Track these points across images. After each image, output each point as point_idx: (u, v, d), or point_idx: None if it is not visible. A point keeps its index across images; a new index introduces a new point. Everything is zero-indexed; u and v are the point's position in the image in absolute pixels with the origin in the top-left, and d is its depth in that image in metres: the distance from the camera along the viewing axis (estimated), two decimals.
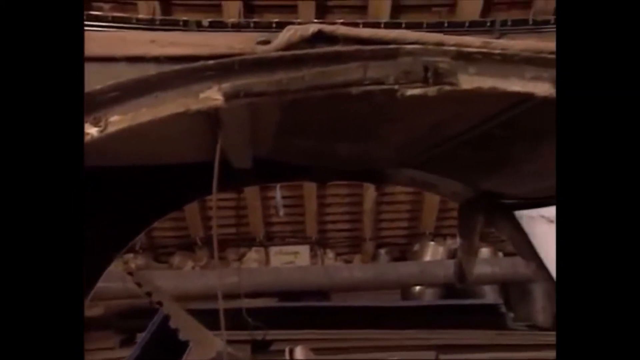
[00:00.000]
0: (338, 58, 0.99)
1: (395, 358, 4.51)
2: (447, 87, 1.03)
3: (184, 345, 3.47)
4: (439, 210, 6.59)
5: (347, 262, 6.98)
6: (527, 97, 1.07)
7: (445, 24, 4.78)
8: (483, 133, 1.71)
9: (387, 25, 4.64)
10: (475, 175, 2.36)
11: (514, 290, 6.24)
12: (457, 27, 4.73)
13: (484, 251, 6.74)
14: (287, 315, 4.92)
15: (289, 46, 0.97)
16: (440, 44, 1.02)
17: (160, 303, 3.70)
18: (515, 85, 1.04)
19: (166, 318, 3.64)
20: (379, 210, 6.82)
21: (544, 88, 1.05)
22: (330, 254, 6.99)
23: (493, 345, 4.96)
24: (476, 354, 4.86)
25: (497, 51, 1.03)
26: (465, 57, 1.03)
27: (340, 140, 1.83)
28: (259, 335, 4.13)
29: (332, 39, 1.01)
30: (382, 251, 6.93)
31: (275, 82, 0.96)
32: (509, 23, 4.67)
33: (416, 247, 6.83)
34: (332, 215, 6.89)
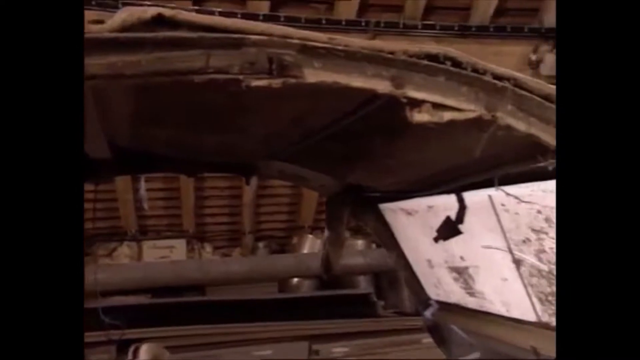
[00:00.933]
0: (179, 44, 0.95)
1: (267, 351, 4.54)
2: (292, 80, 1.03)
3: None
4: (318, 204, 6.73)
5: (226, 255, 6.88)
6: (370, 93, 1.12)
7: (323, 21, 4.88)
8: (344, 128, 1.76)
9: (266, 18, 4.63)
10: (340, 169, 2.43)
11: (384, 280, 6.57)
12: (334, 25, 4.86)
13: (359, 243, 7.01)
14: (158, 312, 4.74)
15: (125, 28, 0.92)
16: (285, 36, 1.03)
17: None
18: (357, 81, 1.08)
19: None
20: (259, 204, 6.80)
21: (384, 85, 1.10)
22: (209, 247, 6.84)
23: (363, 332, 5.19)
24: (347, 342, 5.05)
25: (340, 47, 1.06)
26: (309, 52, 1.04)
27: (202, 131, 1.78)
28: (116, 334, 3.91)
29: (174, 24, 0.97)
30: (261, 244, 6.93)
31: (107, 65, 0.90)
32: (382, 24, 4.89)
33: (295, 240, 6.92)
34: (210, 209, 6.74)
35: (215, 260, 6.19)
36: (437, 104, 1.12)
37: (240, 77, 1.00)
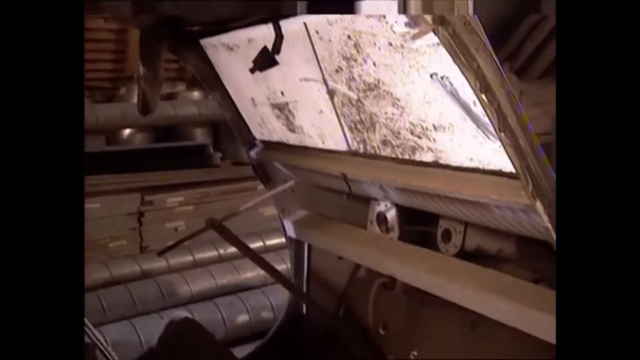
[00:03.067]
0: None
1: (95, 205, 4.37)
2: None
3: None
4: None
5: None
6: None
7: None
8: None
9: None
10: None
11: (222, 131, 6.52)
12: None
13: (195, 94, 6.77)
14: None
15: None
16: None
17: None
18: None
19: None
20: None
21: None
22: None
23: (199, 182, 5.21)
24: (182, 191, 5.04)
25: None
26: None
27: None
28: None
29: None
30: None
31: None
32: None
33: (123, 91, 6.42)
34: None
35: None
36: None
37: None
